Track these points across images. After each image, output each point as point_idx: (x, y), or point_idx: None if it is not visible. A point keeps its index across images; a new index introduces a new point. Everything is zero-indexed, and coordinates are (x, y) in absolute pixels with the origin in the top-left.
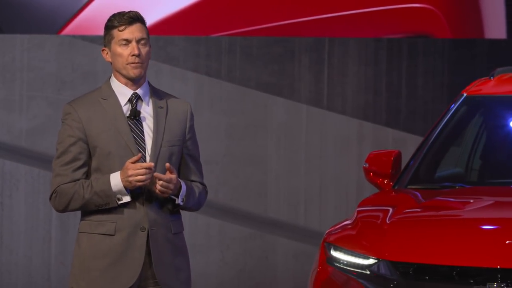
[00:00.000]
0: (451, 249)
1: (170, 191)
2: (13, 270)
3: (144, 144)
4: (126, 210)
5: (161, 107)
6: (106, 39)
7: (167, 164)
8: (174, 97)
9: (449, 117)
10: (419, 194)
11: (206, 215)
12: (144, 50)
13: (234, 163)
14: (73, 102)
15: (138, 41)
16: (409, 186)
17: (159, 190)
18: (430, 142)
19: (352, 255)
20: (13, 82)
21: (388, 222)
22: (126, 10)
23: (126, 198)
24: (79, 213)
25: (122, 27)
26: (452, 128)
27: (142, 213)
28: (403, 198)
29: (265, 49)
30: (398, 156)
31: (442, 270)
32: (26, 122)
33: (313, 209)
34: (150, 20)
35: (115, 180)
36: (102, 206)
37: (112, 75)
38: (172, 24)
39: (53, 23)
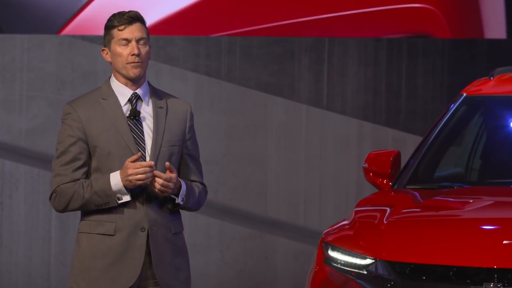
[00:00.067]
0: (448, 249)
1: (170, 190)
2: (12, 270)
3: (144, 144)
4: (126, 210)
5: (161, 107)
6: (106, 39)
7: (167, 163)
8: (174, 97)
9: (449, 117)
10: (417, 194)
11: (206, 215)
12: (144, 49)
13: (234, 163)
14: (73, 102)
15: (138, 41)
16: (407, 186)
17: (159, 189)
18: (429, 142)
19: (349, 255)
20: (13, 82)
21: (385, 222)
22: (126, 10)
23: (126, 198)
24: (78, 213)
25: (122, 27)
26: (451, 128)
27: (142, 213)
28: (401, 198)
29: (265, 49)
30: (398, 156)
31: (439, 270)
32: (26, 122)
33: (313, 209)
34: (150, 20)
35: (115, 179)
36: (102, 205)
37: (112, 75)
38: (172, 24)
39: (53, 23)
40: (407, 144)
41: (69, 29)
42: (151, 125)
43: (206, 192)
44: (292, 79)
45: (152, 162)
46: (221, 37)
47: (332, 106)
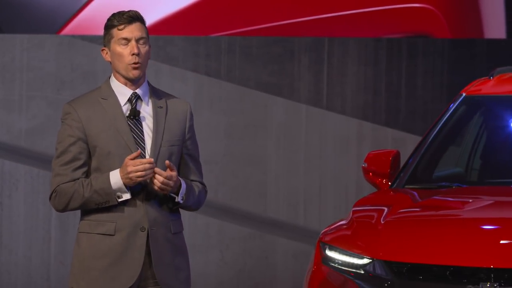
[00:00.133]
0: (445, 249)
1: (170, 188)
2: (12, 270)
3: (144, 144)
4: (126, 210)
5: (161, 107)
6: (105, 39)
7: (167, 162)
8: (174, 97)
9: (448, 117)
10: (415, 194)
11: (206, 215)
12: (143, 49)
13: (234, 163)
14: (72, 102)
15: (137, 40)
16: (406, 186)
17: (159, 187)
18: (428, 142)
19: (347, 254)
20: (12, 82)
21: (382, 222)
22: (126, 10)
23: (126, 196)
24: (78, 213)
25: (122, 26)
26: (450, 128)
27: (141, 213)
28: (399, 198)
29: (265, 49)
30: (397, 156)
31: (435, 269)
32: (26, 122)
33: (313, 209)
34: (149, 20)
35: (115, 178)
36: (102, 204)
37: (112, 74)
38: (172, 24)
39: (52, 23)
40: (406, 144)
41: (68, 29)
42: (151, 125)
43: (206, 191)
44: (292, 79)
45: (152, 159)
46: (220, 37)
47: (332, 106)
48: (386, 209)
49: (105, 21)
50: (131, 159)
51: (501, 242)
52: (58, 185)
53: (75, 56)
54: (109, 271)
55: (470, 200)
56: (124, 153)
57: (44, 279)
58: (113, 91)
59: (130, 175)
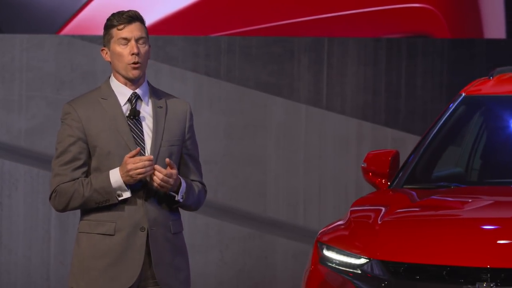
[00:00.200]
0: (442, 249)
1: (170, 186)
2: (12, 270)
3: (144, 144)
4: (125, 210)
5: (161, 107)
6: (105, 39)
7: (167, 160)
8: (174, 97)
9: (447, 116)
10: (413, 194)
11: (205, 215)
12: (143, 49)
13: (233, 163)
14: (72, 102)
15: (137, 40)
16: (405, 186)
17: (159, 184)
18: (427, 142)
19: (344, 254)
20: (12, 82)
21: (380, 222)
22: (125, 10)
23: (126, 194)
24: (78, 212)
25: (121, 26)
26: (450, 128)
27: (141, 213)
28: (397, 198)
29: (264, 49)
30: (396, 156)
31: (432, 269)
32: (25, 122)
33: (312, 209)
34: (149, 20)
35: (115, 176)
36: (102, 203)
37: (112, 74)
38: (171, 24)
39: (52, 23)
40: (406, 144)
41: (68, 29)
42: (151, 125)
43: (206, 191)
44: (292, 79)
45: (151, 156)
46: (220, 37)
47: (332, 106)
48: (383, 209)
49: (104, 21)
50: (131, 157)
51: (498, 242)
52: (58, 185)
53: (74, 56)
54: (108, 271)
55: (468, 200)
56: (124, 153)
57: (43, 279)
58: (113, 91)
59: (130, 172)
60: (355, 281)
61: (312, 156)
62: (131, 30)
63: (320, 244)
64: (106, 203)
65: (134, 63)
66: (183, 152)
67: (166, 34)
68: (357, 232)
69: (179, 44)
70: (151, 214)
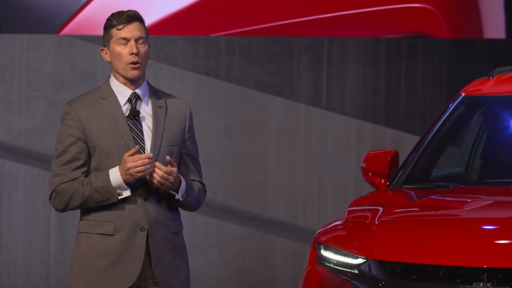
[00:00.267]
0: (439, 249)
1: (169, 184)
2: (12, 270)
3: (144, 144)
4: (125, 210)
5: (160, 107)
6: (105, 39)
7: (168, 158)
8: (173, 97)
9: (447, 117)
10: (411, 194)
11: (205, 215)
12: (143, 49)
13: (233, 163)
14: (72, 102)
15: (136, 40)
16: (404, 186)
17: (159, 181)
18: (426, 142)
19: (341, 254)
20: (12, 82)
21: (377, 222)
22: (125, 10)
23: (126, 193)
24: (78, 212)
25: (121, 26)
26: (449, 128)
27: (141, 213)
28: (395, 198)
29: (264, 49)
30: (396, 156)
31: (429, 269)
32: (25, 122)
33: (312, 209)
34: (149, 20)
35: (115, 175)
36: (102, 202)
37: (111, 74)
38: (171, 24)
39: (52, 23)
40: (406, 144)
41: (68, 29)
42: (151, 125)
43: (205, 191)
44: (291, 79)
45: (151, 154)
46: (220, 37)
47: (331, 106)
48: (381, 209)
49: (104, 21)
50: (130, 156)
51: (495, 241)
52: (58, 185)
53: (74, 56)
54: (108, 271)
55: (466, 200)
56: (123, 153)
57: (43, 279)
58: (112, 91)
59: (130, 171)
60: (352, 281)
61: (312, 156)
62: (130, 30)
63: (318, 244)
64: (106, 202)
65: (133, 63)
66: (183, 152)
67: (166, 34)
68: (354, 232)
69: (179, 44)
70: (151, 214)
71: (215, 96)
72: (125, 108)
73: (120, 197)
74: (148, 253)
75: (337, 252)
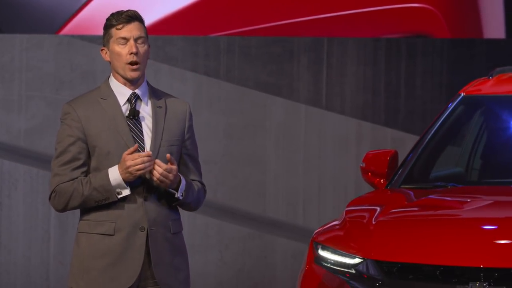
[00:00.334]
0: (436, 249)
1: (169, 182)
2: (11, 270)
3: (143, 144)
4: (125, 210)
5: (160, 107)
6: (104, 39)
7: (168, 155)
8: (173, 97)
9: (446, 116)
10: (409, 194)
11: (205, 215)
12: (142, 49)
13: (233, 163)
14: (72, 102)
15: (136, 40)
16: (402, 186)
17: (158, 178)
18: (425, 141)
19: (339, 254)
20: (11, 82)
21: (374, 222)
22: (125, 10)
23: (126, 192)
24: (77, 212)
25: (120, 26)
26: (448, 128)
27: (141, 213)
28: (393, 198)
29: (264, 49)
30: (395, 155)
31: (425, 269)
32: (25, 122)
33: (312, 209)
34: (148, 20)
35: (114, 174)
36: (102, 201)
37: (111, 74)
38: (171, 24)
39: (51, 23)
40: (406, 144)
41: (68, 29)
42: (150, 125)
43: (205, 191)
44: (291, 79)
45: (150, 152)
46: (220, 37)
47: (331, 106)
48: (378, 209)
49: (104, 21)
50: (129, 154)
51: (492, 241)
52: (58, 185)
53: (74, 56)
54: (108, 271)
55: (464, 200)
56: (123, 153)
57: (43, 279)
58: (112, 91)
59: (130, 169)
60: (349, 281)
61: (311, 156)
62: (130, 30)
63: (315, 244)
64: (106, 201)
65: (132, 63)
66: (182, 152)
67: (166, 34)
68: (352, 232)
69: (178, 44)
70: (151, 214)
71: (214, 96)
72: (125, 108)
73: (119, 196)
74: (148, 253)
75: (334, 252)
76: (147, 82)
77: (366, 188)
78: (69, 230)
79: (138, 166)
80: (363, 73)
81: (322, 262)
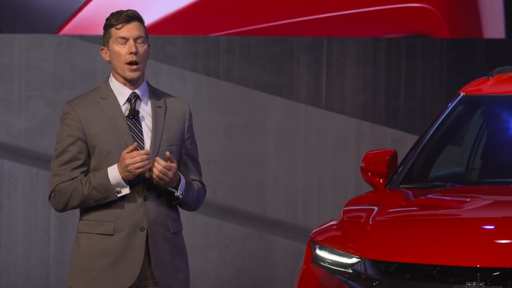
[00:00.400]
0: (432, 248)
1: (168, 180)
2: (11, 269)
3: (143, 144)
4: (125, 210)
5: (160, 107)
6: (104, 38)
7: (167, 153)
8: (173, 96)
9: (445, 116)
10: (407, 194)
11: (205, 214)
12: (141, 48)
13: (233, 162)
14: (72, 102)
15: (135, 39)
16: (401, 186)
17: (157, 176)
18: (424, 141)
19: (336, 254)
20: (11, 82)
21: (371, 222)
22: (124, 9)
23: (125, 190)
24: (77, 212)
25: (120, 25)
26: (447, 127)
27: (141, 213)
28: (391, 198)
29: (264, 48)
30: (394, 155)
31: (422, 269)
32: (25, 122)
33: (312, 208)
34: (148, 20)
35: (113, 173)
36: (101, 200)
37: (111, 74)
38: (171, 23)
39: (51, 23)
40: (406, 143)
41: (67, 29)
42: (150, 125)
43: (205, 191)
44: (291, 78)
45: (149, 150)
46: (219, 37)
47: (331, 106)
48: (376, 208)
49: (103, 21)
50: (128, 153)
51: (488, 241)
52: (57, 185)
53: (74, 56)
54: (108, 271)
55: (461, 200)
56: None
57: (43, 278)
58: (112, 91)
59: (129, 167)
60: (346, 280)
61: (311, 156)
62: (129, 29)
63: (313, 244)
64: (105, 200)
65: (132, 62)
66: (182, 152)
67: (166, 33)
68: (349, 231)
69: (178, 44)
70: (151, 214)
71: (214, 96)
72: (125, 108)
73: (119, 195)
74: (147, 253)
75: (331, 251)
76: (147, 82)
77: (366, 188)
78: (69, 230)
79: (137, 165)
80: (363, 73)
81: (320, 262)
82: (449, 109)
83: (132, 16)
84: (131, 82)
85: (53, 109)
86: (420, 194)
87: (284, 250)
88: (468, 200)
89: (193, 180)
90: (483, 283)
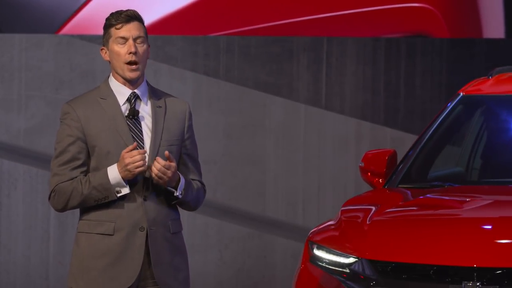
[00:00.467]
0: (429, 248)
1: (167, 179)
2: (11, 269)
3: (143, 144)
4: (125, 210)
5: (160, 107)
6: (104, 38)
7: (167, 152)
8: (173, 96)
9: (444, 116)
10: (406, 193)
11: (205, 214)
12: (141, 48)
13: (233, 162)
14: (71, 102)
15: (135, 39)
16: (400, 185)
17: (156, 174)
18: (424, 141)
19: (334, 254)
20: (11, 82)
21: (368, 222)
22: (124, 9)
23: (125, 190)
24: (77, 212)
25: (119, 25)
26: (447, 127)
27: (141, 213)
28: (389, 197)
29: (263, 48)
30: (393, 155)
31: (419, 268)
32: (25, 122)
33: (312, 208)
34: (148, 20)
35: (113, 172)
36: (101, 200)
37: (111, 74)
38: (170, 23)
39: (51, 23)
40: (405, 143)
41: (67, 29)
42: (150, 125)
43: (205, 191)
44: (291, 78)
45: (145, 150)
46: (219, 37)
47: (331, 106)
48: (374, 208)
49: (103, 21)
50: (127, 152)
51: (485, 241)
52: (57, 185)
53: (73, 56)
54: (108, 271)
55: (459, 200)
56: None
57: (43, 278)
58: (112, 90)
59: (128, 167)
60: (343, 280)
61: (311, 155)
62: (129, 29)
63: (310, 243)
64: (105, 200)
65: (131, 62)
66: (182, 152)
67: (165, 33)
68: (346, 231)
69: (178, 43)
70: (151, 213)
71: (214, 96)
72: (124, 108)
73: (119, 195)
74: (147, 253)
75: (329, 251)
76: (146, 82)
77: (366, 188)
78: (69, 230)
79: (136, 164)
80: (363, 73)
81: (317, 262)
82: (449, 109)
83: (132, 16)
84: (130, 82)
85: (52, 109)
86: (418, 194)
87: (284, 250)
88: (466, 200)
89: (193, 180)
90: (479, 283)
